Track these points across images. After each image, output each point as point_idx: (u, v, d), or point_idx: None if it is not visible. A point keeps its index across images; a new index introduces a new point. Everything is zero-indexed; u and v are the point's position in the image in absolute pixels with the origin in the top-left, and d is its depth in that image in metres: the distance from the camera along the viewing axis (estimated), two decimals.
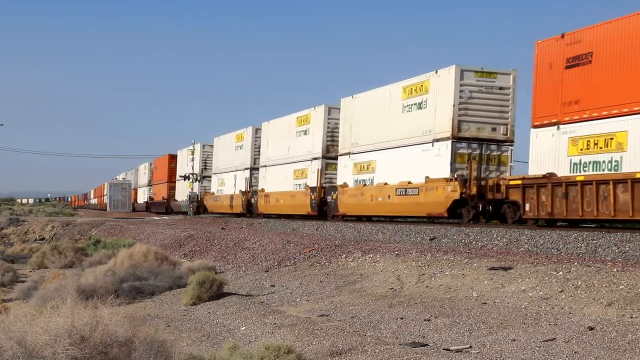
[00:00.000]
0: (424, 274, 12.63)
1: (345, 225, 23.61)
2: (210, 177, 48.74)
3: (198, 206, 48.76)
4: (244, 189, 39.31)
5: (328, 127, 30.83)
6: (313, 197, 30.28)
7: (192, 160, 51.32)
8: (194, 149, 51.11)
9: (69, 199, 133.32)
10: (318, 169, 30.70)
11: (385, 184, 25.06)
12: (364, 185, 26.73)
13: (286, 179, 33.69)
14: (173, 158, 58.82)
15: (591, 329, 8.14)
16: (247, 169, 39.58)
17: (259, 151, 37.82)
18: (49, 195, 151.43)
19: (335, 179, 29.70)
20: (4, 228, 42.79)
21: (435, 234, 18.47)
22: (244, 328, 10.61)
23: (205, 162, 50.81)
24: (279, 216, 34.71)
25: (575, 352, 7.42)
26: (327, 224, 25.39)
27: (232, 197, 40.92)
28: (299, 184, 32.53)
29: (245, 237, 21.55)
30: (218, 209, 44.24)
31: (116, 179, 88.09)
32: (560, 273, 10.58)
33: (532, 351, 7.63)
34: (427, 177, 22.61)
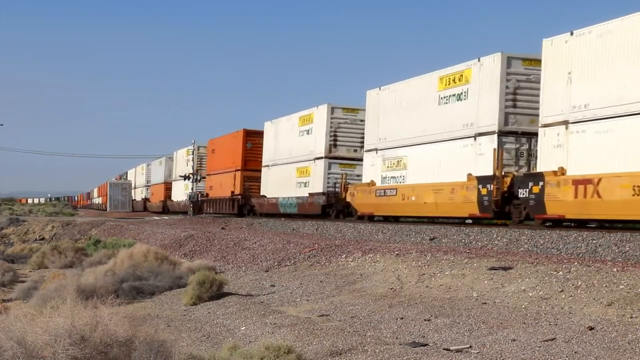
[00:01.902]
0: (424, 274, 12.63)
1: (345, 225, 23.61)
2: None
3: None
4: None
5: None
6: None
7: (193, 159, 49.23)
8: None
9: (76, 198, 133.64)
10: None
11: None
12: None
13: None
14: (254, 135, 38.68)
15: (591, 329, 8.14)
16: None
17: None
18: (49, 195, 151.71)
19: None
20: (4, 228, 42.82)
21: (435, 234, 18.47)
22: (244, 328, 10.61)
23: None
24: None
25: (575, 352, 7.42)
26: (327, 223, 25.38)
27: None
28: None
29: (245, 237, 21.56)
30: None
31: (119, 177, 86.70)
32: (560, 273, 10.58)
33: (532, 351, 7.63)
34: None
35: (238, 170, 38.91)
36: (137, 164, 79.16)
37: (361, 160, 27.71)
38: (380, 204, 25.07)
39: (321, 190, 29.61)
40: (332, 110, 29.73)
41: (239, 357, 7.57)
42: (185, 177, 50.43)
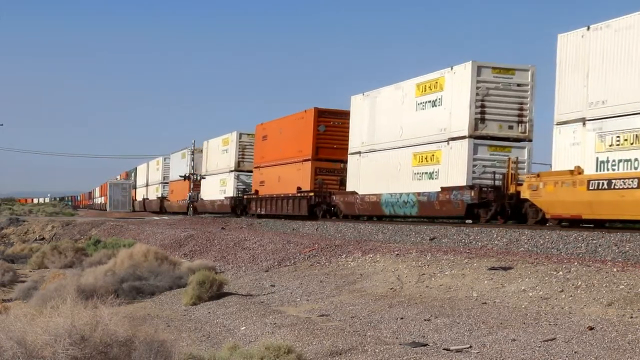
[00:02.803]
0: (424, 274, 12.63)
1: (345, 225, 23.60)
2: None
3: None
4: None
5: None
6: None
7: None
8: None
9: (78, 197, 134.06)
10: None
11: None
12: None
13: None
14: (329, 116, 31.41)
15: (591, 329, 8.14)
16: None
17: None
18: (48, 194, 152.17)
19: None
20: (4, 228, 42.82)
21: (435, 234, 18.47)
22: (244, 328, 10.61)
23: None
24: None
25: (575, 352, 7.42)
26: (327, 223, 25.39)
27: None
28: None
29: (245, 237, 21.55)
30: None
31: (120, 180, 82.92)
32: (560, 273, 10.58)
33: (532, 351, 7.63)
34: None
35: (307, 160, 31.11)
36: (137, 164, 78.17)
37: (520, 140, 22.18)
38: (600, 203, 16.76)
39: (464, 183, 21.71)
40: (479, 70, 21.98)
41: (239, 357, 7.57)
42: (185, 177, 48.20)
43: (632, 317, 8.42)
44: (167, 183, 59.28)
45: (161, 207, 59.97)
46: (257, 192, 37.25)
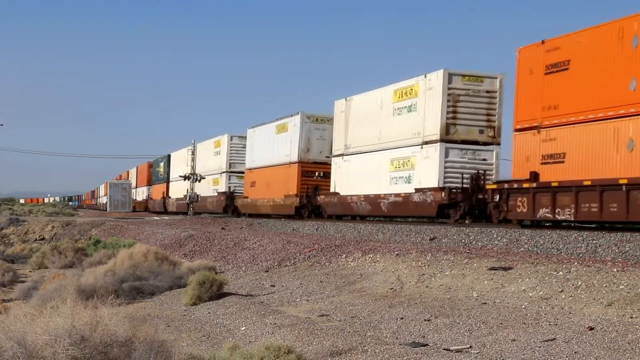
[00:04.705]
0: (424, 274, 12.63)
1: (345, 225, 23.60)
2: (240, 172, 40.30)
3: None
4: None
5: None
6: None
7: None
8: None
9: (83, 197, 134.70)
10: None
11: None
12: None
13: None
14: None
15: (591, 329, 8.14)
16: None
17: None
18: (48, 194, 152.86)
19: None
20: (4, 228, 42.83)
21: (435, 234, 18.47)
22: (244, 328, 10.61)
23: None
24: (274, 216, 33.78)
25: (575, 352, 7.42)
26: (327, 223, 25.39)
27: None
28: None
29: (245, 237, 21.55)
30: None
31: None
32: (560, 273, 10.58)
33: (532, 351, 7.63)
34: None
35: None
36: (137, 163, 78.03)
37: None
38: None
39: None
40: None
41: (239, 357, 7.57)
42: (185, 177, 47.17)
43: (632, 317, 8.42)
44: (233, 174, 44.64)
45: (227, 207, 43.26)
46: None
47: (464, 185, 22.22)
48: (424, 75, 23.74)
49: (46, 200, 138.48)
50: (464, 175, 22.37)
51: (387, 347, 8.22)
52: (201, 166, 47.43)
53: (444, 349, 8.12)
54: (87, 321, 6.37)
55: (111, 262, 17.53)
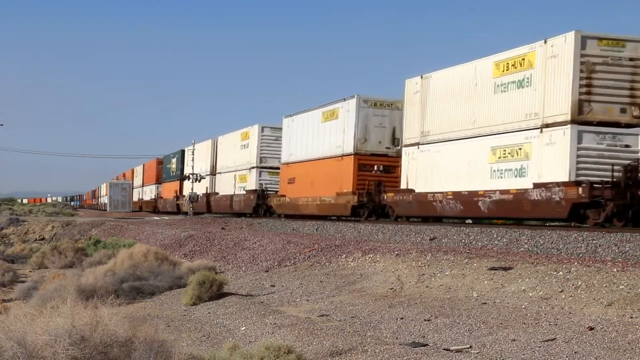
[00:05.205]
0: (424, 274, 12.64)
1: (345, 225, 23.60)
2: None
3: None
4: None
5: None
6: None
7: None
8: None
9: (84, 197, 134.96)
10: None
11: None
12: None
13: None
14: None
15: (591, 329, 8.14)
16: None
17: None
18: (49, 194, 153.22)
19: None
20: (4, 228, 42.85)
21: (435, 234, 18.47)
22: (244, 328, 10.62)
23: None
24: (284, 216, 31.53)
25: (575, 352, 7.42)
26: (327, 223, 25.39)
27: None
28: None
29: (245, 237, 21.55)
30: None
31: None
32: (560, 273, 10.58)
33: (532, 351, 7.63)
34: None
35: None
36: (138, 163, 77.77)
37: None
38: None
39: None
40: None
41: (239, 357, 7.57)
42: (186, 177, 46.37)
43: (632, 317, 8.42)
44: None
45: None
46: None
47: (614, 180, 17.49)
48: (543, 41, 19.11)
49: (48, 200, 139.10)
50: (615, 167, 17.61)
51: (387, 347, 8.22)
52: (224, 161, 43.30)
53: (444, 349, 8.12)
54: (87, 321, 6.38)
55: (111, 262, 17.54)
